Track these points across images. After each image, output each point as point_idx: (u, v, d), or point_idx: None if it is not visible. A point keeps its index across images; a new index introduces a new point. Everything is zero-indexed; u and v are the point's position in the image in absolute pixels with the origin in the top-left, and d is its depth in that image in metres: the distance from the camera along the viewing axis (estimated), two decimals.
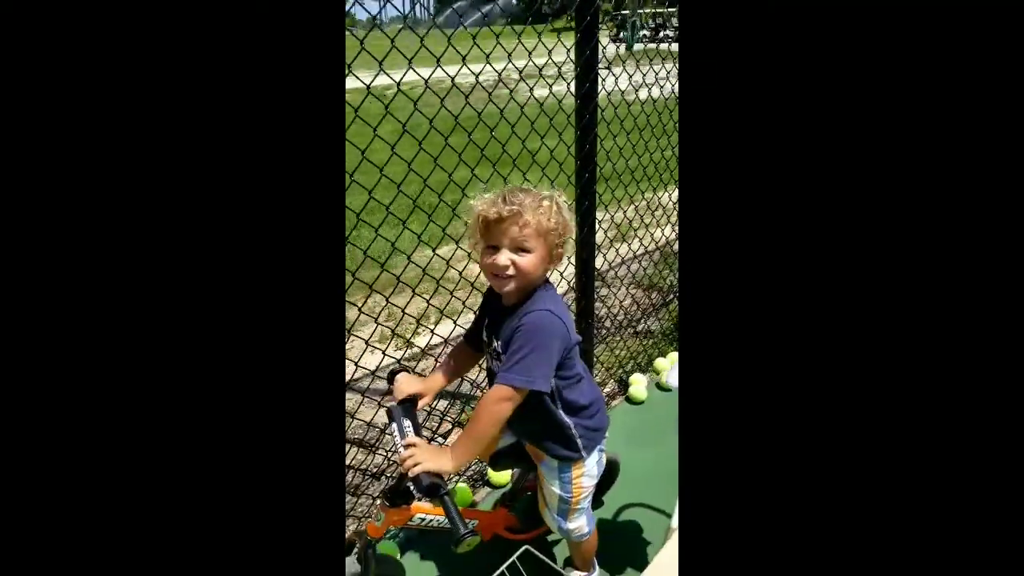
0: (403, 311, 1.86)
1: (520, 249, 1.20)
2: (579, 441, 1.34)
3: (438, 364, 1.42)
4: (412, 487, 1.17)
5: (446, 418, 2.12)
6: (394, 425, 1.22)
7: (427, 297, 1.99)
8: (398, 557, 1.70)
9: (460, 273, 1.94)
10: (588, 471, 1.41)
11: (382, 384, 2.38)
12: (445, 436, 2.08)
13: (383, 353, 1.77)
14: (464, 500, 1.89)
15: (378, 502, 1.36)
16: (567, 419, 1.32)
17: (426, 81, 1.50)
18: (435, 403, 2.13)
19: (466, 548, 1.13)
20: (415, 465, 1.15)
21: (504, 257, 1.20)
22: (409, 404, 1.28)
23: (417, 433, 1.21)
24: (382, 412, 2.06)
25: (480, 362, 1.47)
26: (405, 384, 1.33)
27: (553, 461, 1.39)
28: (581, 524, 1.48)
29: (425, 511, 1.41)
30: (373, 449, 1.92)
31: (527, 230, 1.19)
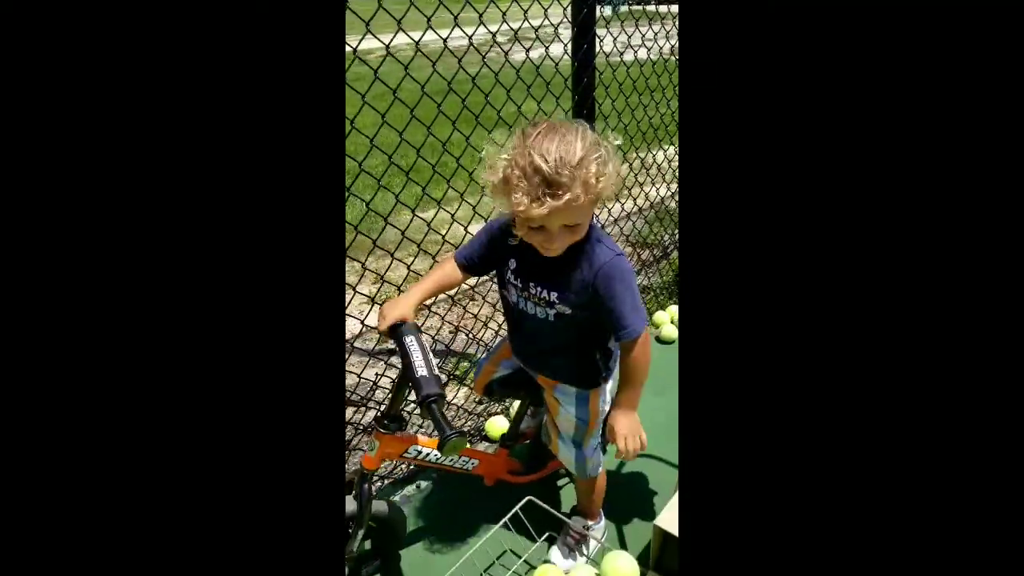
0: (381, 278, 1.78)
1: (571, 225, 1.08)
2: (602, 369, 1.33)
3: (418, 282, 1.32)
4: (413, 390, 1.12)
5: (440, 371, 2.07)
6: (411, 346, 1.15)
7: (408, 263, 1.90)
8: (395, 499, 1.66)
9: (443, 236, 1.87)
10: (604, 391, 1.38)
11: (367, 345, 2.32)
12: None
13: (361, 323, 1.69)
14: (495, 431, 1.84)
15: (372, 432, 1.30)
16: (602, 347, 1.31)
17: (417, 44, 1.40)
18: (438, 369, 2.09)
19: (452, 452, 1.09)
20: (635, 440, 1.26)
21: (559, 242, 1.09)
22: (415, 327, 1.20)
23: (427, 360, 1.13)
24: (369, 372, 2.03)
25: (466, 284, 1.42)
26: (389, 309, 1.22)
27: (571, 388, 1.36)
28: (597, 455, 1.44)
29: (421, 443, 1.35)
30: (363, 406, 1.87)
31: (577, 204, 1.03)
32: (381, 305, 1.25)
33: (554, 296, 1.20)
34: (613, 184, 1.07)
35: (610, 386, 1.38)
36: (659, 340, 2.45)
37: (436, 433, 1.08)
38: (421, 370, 1.11)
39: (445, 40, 1.43)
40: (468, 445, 1.51)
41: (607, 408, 1.38)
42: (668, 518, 1.25)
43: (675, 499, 1.30)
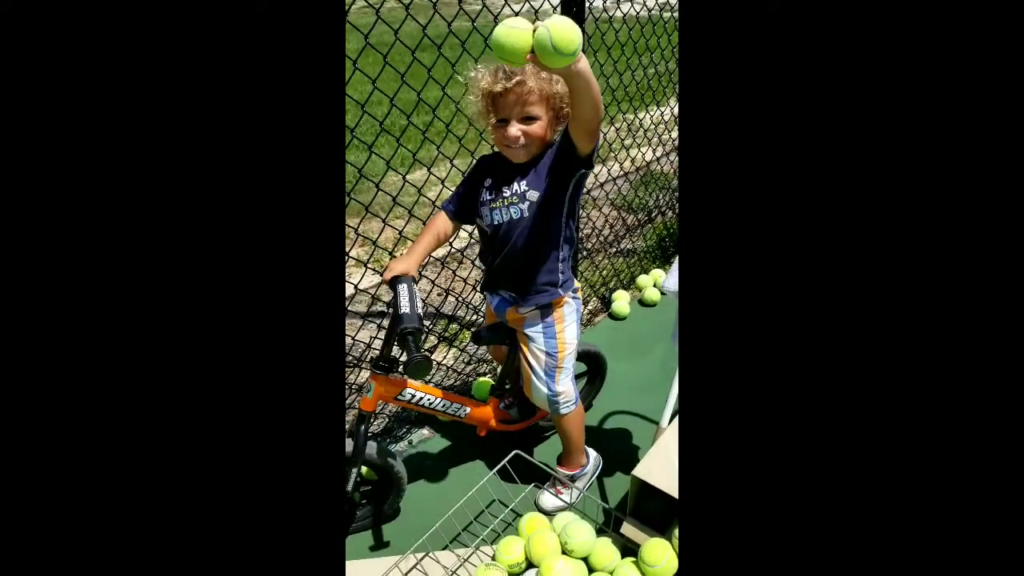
0: (374, 243, 1.85)
1: (528, 118, 1.29)
2: (561, 276, 1.46)
3: (416, 240, 1.46)
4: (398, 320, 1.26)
5: (431, 333, 2.15)
6: (401, 291, 1.32)
7: (399, 228, 1.96)
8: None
9: (433, 202, 1.92)
10: (568, 321, 1.51)
11: (359, 308, 2.39)
12: (431, 351, 2.10)
13: (355, 287, 1.76)
14: (482, 390, 1.92)
15: (368, 374, 1.41)
16: (564, 248, 1.44)
17: (407, 7, 1.44)
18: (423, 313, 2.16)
19: (418, 374, 1.26)
20: None
21: (515, 129, 1.29)
22: (411, 279, 1.36)
23: (412, 301, 1.29)
24: (363, 335, 2.10)
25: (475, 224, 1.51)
26: (395, 264, 1.39)
27: (536, 316, 1.49)
28: (568, 388, 1.54)
29: (416, 388, 1.48)
30: (357, 367, 1.94)
31: (532, 97, 1.26)
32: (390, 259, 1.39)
33: (524, 185, 1.37)
34: (565, 99, 1.27)
35: (571, 308, 1.51)
36: (642, 303, 2.53)
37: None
38: (405, 308, 1.27)
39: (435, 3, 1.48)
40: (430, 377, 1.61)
41: (574, 339, 1.52)
42: (644, 469, 1.34)
43: (651, 450, 1.40)
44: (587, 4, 1.92)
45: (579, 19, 1.85)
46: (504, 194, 1.39)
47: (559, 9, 1.87)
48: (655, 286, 2.55)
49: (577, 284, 1.55)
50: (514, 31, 0.99)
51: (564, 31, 0.98)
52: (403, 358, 1.29)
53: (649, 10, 2.54)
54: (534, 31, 0.99)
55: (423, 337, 1.27)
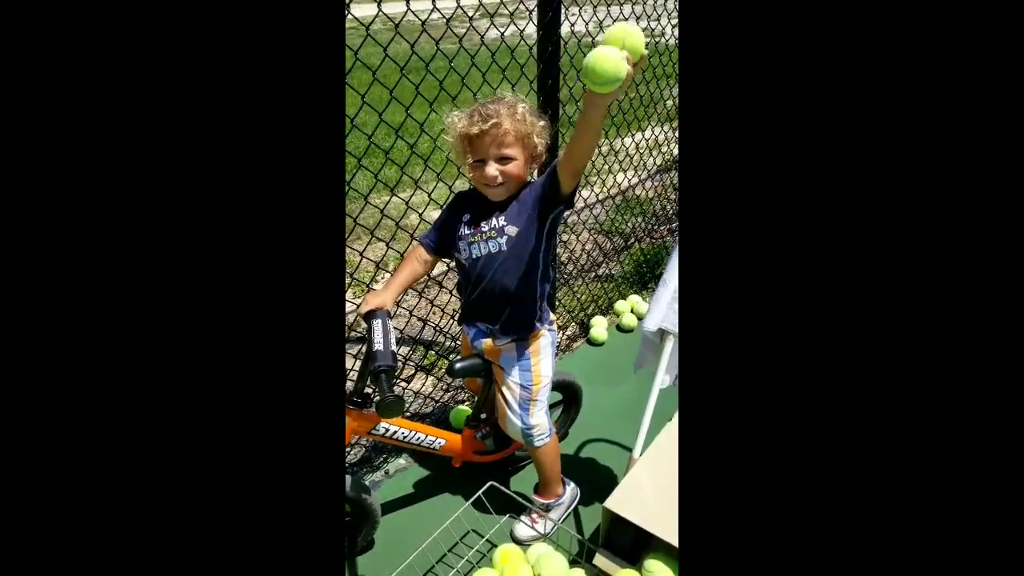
0: (361, 254, 1.87)
1: (504, 158, 1.33)
2: (539, 311, 1.48)
3: (393, 274, 1.49)
4: (372, 360, 1.26)
5: (409, 362, 2.15)
6: (376, 326, 1.32)
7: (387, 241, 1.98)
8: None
9: (420, 215, 1.94)
10: (544, 355, 1.53)
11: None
12: (408, 381, 2.11)
13: None
14: (459, 418, 1.92)
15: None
16: (542, 284, 1.46)
17: (396, 25, 1.47)
18: (397, 349, 2.17)
19: (389, 413, 1.27)
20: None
21: (492, 169, 1.33)
22: (386, 313, 1.36)
23: (387, 338, 1.30)
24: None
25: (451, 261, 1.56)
26: (371, 297, 1.41)
27: (511, 349, 1.50)
28: (542, 421, 1.56)
29: (389, 422, 1.48)
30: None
31: (508, 138, 1.32)
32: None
33: (503, 220, 1.40)
34: (539, 137, 1.36)
35: (547, 341, 1.53)
36: (619, 328, 2.56)
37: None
38: (378, 345, 1.28)
39: (423, 23, 1.52)
40: (406, 410, 1.62)
41: (548, 371, 1.54)
42: (615, 500, 1.36)
43: (623, 481, 1.41)
44: (568, 24, 1.94)
45: (552, 27, 1.83)
46: (483, 228, 1.41)
47: (537, 35, 1.88)
48: (632, 311, 2.58)
49: (553, 316, 1.58)
50: (610, 58, 1.03)
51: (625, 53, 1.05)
52: (376, 396, 1.30)
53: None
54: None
55: (398, 372, 1.27)
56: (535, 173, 1.47)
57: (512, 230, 1.38)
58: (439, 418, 2.05)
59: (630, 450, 1.87)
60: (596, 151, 2.02)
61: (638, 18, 2.66)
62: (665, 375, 1.52)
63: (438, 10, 1.54)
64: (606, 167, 2.81)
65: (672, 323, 1.47)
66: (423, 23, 1.51)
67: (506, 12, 1.78)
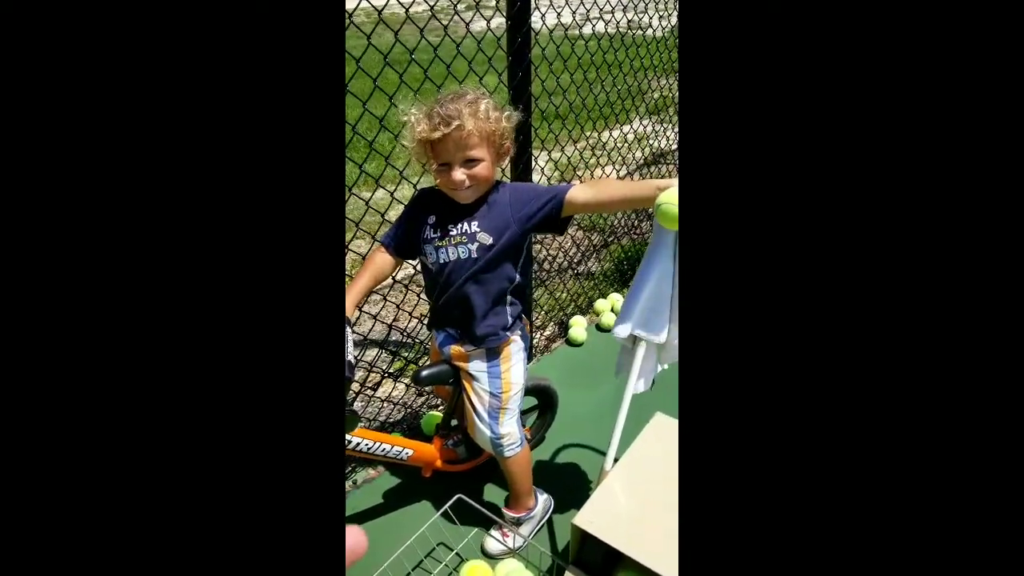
0: (346, 247, 1.79)
1: (470, 160, 1.25)
2: (510, 319, 1.42)
3: (353, 279, 1.40)
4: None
5: (374, 369, 2.08)
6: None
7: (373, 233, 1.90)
8: None
9: (373, 236, 1.86)
10: (515, 361, 1.46)
11: None
12: (375, 388, 2.04)
13: None
14: (430, 424, 1.85)
15: None
16: (515, 294, 1.41)
17: (379, 12, 1.40)
18: (362, 353, 2.10)
19: (345, 427, 1.20)
20: None
21: (459, 173, 1.25)
22: (345, 320, 1.28)
23: (344, 347, 1.21)
24: None
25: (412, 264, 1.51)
26: None
27: (480, 355, 1.43)
28: (513, 430, 1.49)
29: (364, 435, 1.43)
30: None
31: (472, 139, 1.23)
32: None
33: (475, 226, 1.31)
34: (505, 135, 1.29)
35: (519, 347, 1.47)
36: (599, 328, 2.50)
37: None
38: None
39: (407, 8, 1.46)
40: (360, 425, 1.59)
41: (519, 380, 1.48)
42: (585, 517, 1.30)
43: (593, 496, 1.35)
44: (536, 11, 1.86)
45: (522, 19, 1.76)
46: (451, 232, 1.33)
47: (506, 35, 1.82)
48: (612, 311, 2.52)
49: (525, 320, 1.51)
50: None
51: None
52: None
53: (618, 24, 2.52)
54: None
55: (364, 380, 1.22)
56: (506, 170, 1.40)
57: (486, 238, 1.30)
58: (411, 424, 1.99)
59: (601, 453, 1.83)
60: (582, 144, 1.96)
61: (624, 8, 2.59)
62: (639, 380, 1.46)
63: (424, 2, 1.47)
64: (594, 159, 2.74)
65: (643, 328, 1.40)
66: (407, 9, 1.44)
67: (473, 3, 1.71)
